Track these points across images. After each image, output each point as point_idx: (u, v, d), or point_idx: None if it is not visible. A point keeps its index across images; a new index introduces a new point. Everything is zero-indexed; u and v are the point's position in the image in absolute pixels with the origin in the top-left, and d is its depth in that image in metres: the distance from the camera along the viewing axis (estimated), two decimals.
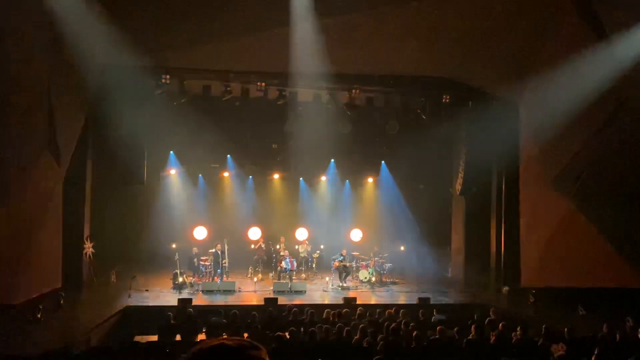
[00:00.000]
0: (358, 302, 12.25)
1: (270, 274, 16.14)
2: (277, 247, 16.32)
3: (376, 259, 16.01)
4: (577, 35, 10.93)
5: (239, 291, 13.75)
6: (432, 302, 12.26)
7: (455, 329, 8.37)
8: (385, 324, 8.62)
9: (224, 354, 1.40)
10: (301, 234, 17.74)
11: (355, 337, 7.85)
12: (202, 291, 13.50)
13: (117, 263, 15.21)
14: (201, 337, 9.11)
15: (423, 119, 15.03)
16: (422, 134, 16.49)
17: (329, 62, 12.23)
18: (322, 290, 14.43)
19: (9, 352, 7.82)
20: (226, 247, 15.21)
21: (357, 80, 14.06)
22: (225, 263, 15.11)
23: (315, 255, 16.73)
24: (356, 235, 18.37)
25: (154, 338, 9.31)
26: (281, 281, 14.54)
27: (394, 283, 15.89)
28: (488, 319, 9.56)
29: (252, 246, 16.76)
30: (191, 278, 14.46)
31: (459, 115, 15.51)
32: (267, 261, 16.46)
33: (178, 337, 9.08)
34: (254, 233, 17.49)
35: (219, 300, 12.84)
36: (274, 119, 15.29)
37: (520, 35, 11.59)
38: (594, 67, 10.87)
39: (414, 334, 7.65)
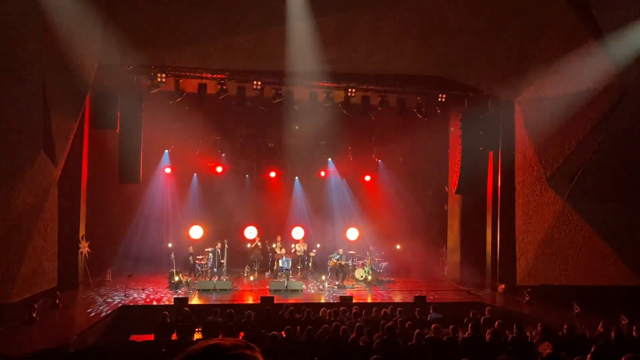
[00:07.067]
0: (354, 300, 12.27)
1: (267, 273, 16.16)
2: (273, 246, 16.32)
3: (372, 257, 16.03)
4: (573, 34, 10.97)
5: (235, 290, 13.76)
6: (428, 300, 12.29)
7: (450, 327, 8.40)
8: (382, 322, 8.63)
9: (219, 354, 1.40)
10: (297, 233, 17.75)
11: (352, 336, 7.86)
12: (198, 290, 13.50)
13: (113, 262, 15.18)
14: (197, 336, 9.10)
15: (419, 118, 15.08)
16: (418, 133, 16.56)
17: (325, 61, 12.24)
18: (318, 289, 14.45)
19: (4, 351, 7.79)
20: (226, 247, 15.23)
21: (354, 79, 14.08)
22: (223, 261, 15.13)
23: (312, 254, 16.75)
24: (352, 234, 18.41)
25: (150, 337, 9.30)
26: (277, 280, 14.55)
27: (390, 282, 15.93)
28: (483, 317, 9.59)
29: (248, 245, 16.76)
30: (187, 277, 14.45)
31: (455, 114, 15.55)
32: (263, 260, 16.47)
33: (174, 336, 9.07)
34: (250, 232, 17.49)
35: (215, 299, 12.84)
36: (270, 117, 15.29)
37: (516, 34, 11.62)
38: (589, 65, 10.91)
39: (410, 333, 7.66)
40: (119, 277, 14.17)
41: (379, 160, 19.23)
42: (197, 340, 7.19)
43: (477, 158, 15.14)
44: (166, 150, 17.33)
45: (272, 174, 18.79)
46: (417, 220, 18.02)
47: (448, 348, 7.52)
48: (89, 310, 11.24)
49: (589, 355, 6.11)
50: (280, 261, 15.19)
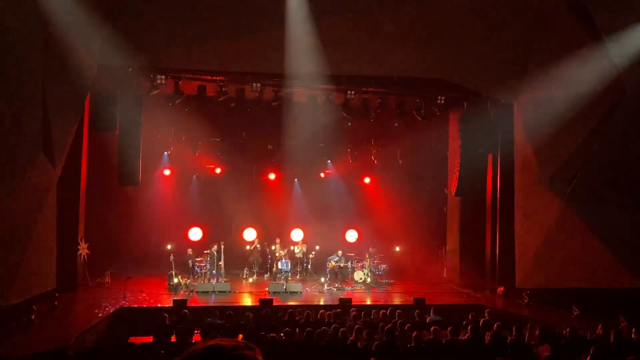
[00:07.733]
0: (353, 303, 12.25)
1: (266, 275, 16.14)
2: (273, 248, 16.30)
3: (371, 259, 16.01)
4: (572, 36, 10.99)
5: (234, 292, 13.74)
6: (427, 302, 12.27)
7: (449, 329, 8.40)
8: (381, 324, 8.63)
9: (218, 354, 1.40)
10: (297, 234, 17.74)
11: (351, 338, 7.86)
12: (198, 292, 13.47)
13: (112, 264, 15.16)
14: (196, 338, 9.08)
15: (418, 120, 15.09)
16: (417, 135, 16.58)
17: (324, 63, 12.25)
18: (317, 291, 14.43)
19: (3, 353, 7.78)
20: (222, 248, 15.21)
21: (353, 81, 14.09)
22: (221, 263, 15.11)
23: (311, 256, 16.72)
24: (351, 236, 18.38)
25: (149, 339, 9.28)
26: (276, 282, 14.53)
27: (389, 284, 15.91)
28: (483, 319, 9.59)
29: (248, 247, 16.74)
30: (186, 279, 14.43)
31: (454, 116, 15.57)
32: (262, 262, 16.45)
33: (173, 338, 9.05)
34: (249, 234, 17.47)
35: (214, 301, 12.82)
36: (269, 119, 15.30)
37: (515, 36, 11.64)
38: (588, 68, 10.93)
39: (409, 335, 7.66)
40: (118, 278, 14.14)
41: (378, 162, 19.20)
42: (197, 342, 7.18)
43: (477, 160, 15.15)
44: (165, 152, 17.32)
45: (272, 176, 18.78)
46: (416, 222, 18.02)
47: (447, 350, 7.52)
48: (88, 312, 11.22)
49: (588, 357, 6.12)
50: (279, 263, 15.17)
